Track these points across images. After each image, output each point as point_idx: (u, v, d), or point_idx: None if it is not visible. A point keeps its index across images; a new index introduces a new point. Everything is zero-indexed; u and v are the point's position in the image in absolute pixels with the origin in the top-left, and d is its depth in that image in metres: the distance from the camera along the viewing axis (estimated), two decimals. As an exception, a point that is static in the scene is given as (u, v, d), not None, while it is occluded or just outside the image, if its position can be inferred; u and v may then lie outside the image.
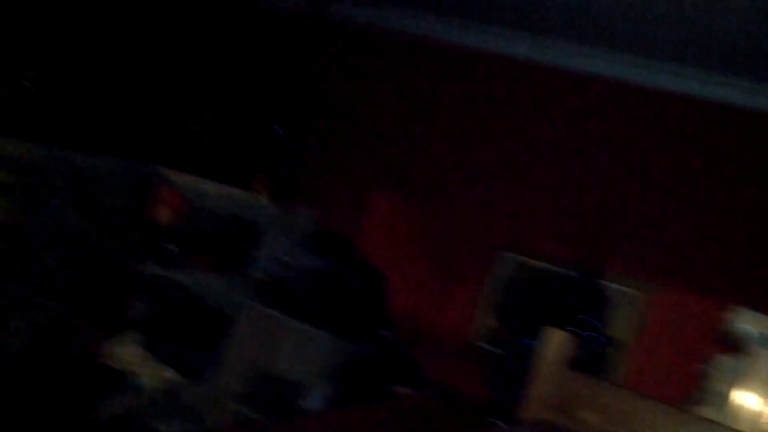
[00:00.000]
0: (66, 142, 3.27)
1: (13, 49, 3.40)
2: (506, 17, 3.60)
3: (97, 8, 3.73)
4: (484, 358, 3.37)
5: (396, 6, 4.06)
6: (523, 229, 3.65)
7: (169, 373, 3.58)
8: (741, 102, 3.28)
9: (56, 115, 3.49)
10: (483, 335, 3.61)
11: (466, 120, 3.94)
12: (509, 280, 3.59)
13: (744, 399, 3.16)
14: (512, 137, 3.82)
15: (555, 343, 2.26)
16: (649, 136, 3.52)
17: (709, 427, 1.73)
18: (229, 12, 4.31)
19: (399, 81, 4.12)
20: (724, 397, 3.13)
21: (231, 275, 3.63)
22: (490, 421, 2.28)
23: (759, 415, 3.14)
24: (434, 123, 4.02)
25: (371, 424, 2.22)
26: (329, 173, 4.21)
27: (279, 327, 3.67)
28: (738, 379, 3.13)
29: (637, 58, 3.46)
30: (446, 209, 3.89)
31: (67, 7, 3.62)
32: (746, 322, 3.12)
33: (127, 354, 3.61)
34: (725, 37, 2.94)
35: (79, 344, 3.52)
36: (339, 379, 3.43)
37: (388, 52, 4.19)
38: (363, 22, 4.21)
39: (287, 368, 3.71)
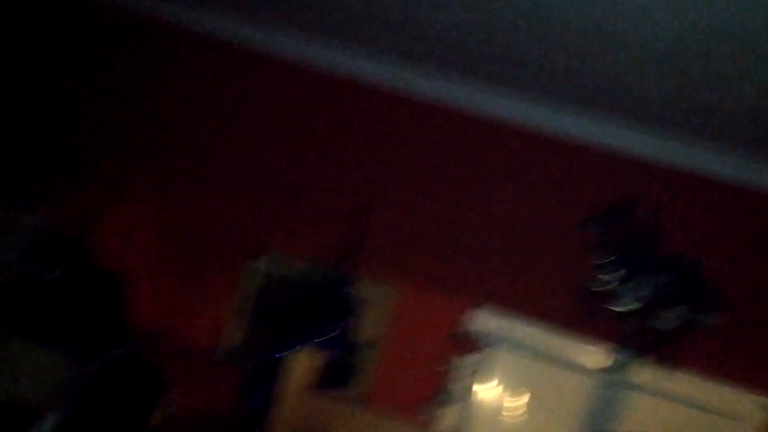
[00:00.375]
0: None
1: None
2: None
3: None
4: (235, 372, 3.23)
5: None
6: (271, 236, 3.54)
7: None
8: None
9: None
10: (233, 348, 3.46)
11: (213, 123, 3.73)
12: (258, 290, 3.47)
13: (485, 394, 3.35)
14: (259, 140, 3.68)
15: (300, 365, 2.20)
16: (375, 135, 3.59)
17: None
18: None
19: (159, 77, 3.80)
20: (467, 394, 3.29)
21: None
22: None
23: (498, 408, 3.34)
24: (182, 125, 3.76)
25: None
26: (66, 170, 3.77)
27: (3, 344, 3.23)
28: (478, 375, 3.30)
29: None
30: (194, 216, 3.66)
31: None
32: (483, 323, 3.30)
33: None
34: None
35: None
36: (74, 402, 3.09)
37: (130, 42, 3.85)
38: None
39: (15, 391, 3.28)
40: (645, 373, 3.07)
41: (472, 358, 3.28)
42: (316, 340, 2.95)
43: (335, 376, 3.09)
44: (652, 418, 3.17)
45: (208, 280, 3.57)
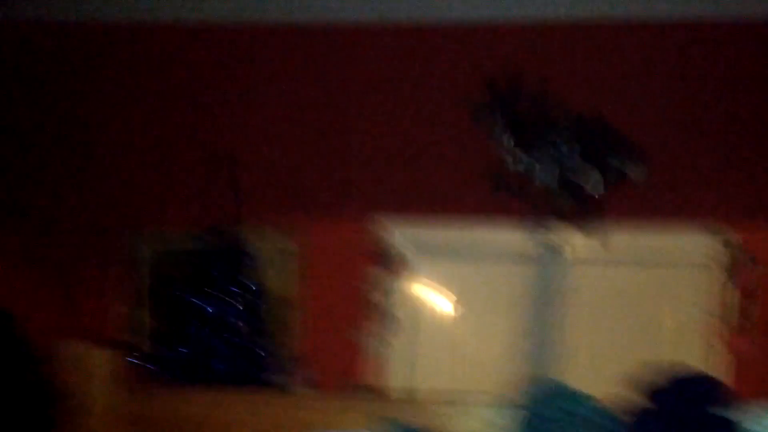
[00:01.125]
0: None
1: None
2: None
3: None
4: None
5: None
6: (154, 203, 3.21)
7: None
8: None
9: None
10: (132, 331, 3.17)
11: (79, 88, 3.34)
12: (149, 265, 3.17)
13: (417, 308, 3.16)
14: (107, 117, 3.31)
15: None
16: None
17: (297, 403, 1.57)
18: None
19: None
20: (395, 313, 3.10)
21: None
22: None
23: (434, 318, 3.16)
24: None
25: None
26: None
27: None
28: (406, 290, 3.11)
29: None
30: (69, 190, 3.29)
31: None
32: (397, 236, 3.09)
33: None
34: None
35: None
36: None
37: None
38: None
39: None
40: (581, 246, 2.93)
41: (394, 275, 3.08)
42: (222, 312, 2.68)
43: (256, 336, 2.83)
44: (603, 288, 3.02)
45: (91, 255, 3.23)
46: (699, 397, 1.46)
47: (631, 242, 2.95)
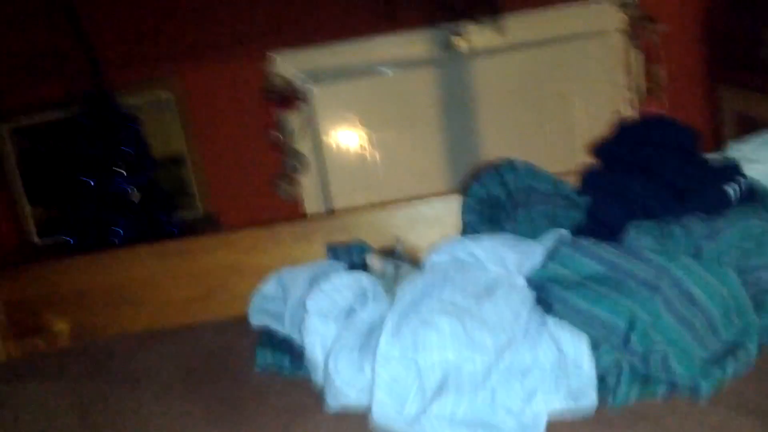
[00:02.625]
0: None
1: None
2: None
3: None
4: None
5: None
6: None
7: None
8: None
9: None
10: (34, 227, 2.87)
11: None
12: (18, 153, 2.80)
13: (330, 140, 2.95)
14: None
15: None
16: None
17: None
18: None
19: None
20: (300, 150, 2.88)
21: None
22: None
23: (347, 147, 2.97)
24: None
25: None
26: None
27: None
28: (305, 126, 2.88)
29: None
30: None
31: None
32: (292, 67, 2.80)
33: None
34: None
35: None
36: None
37: None
38: None
39: None
40: (479, 39, 2.73)
41: (298, 111, 2.82)
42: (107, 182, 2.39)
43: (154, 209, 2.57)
44: (509, 76, 2.86)
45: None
46: (668, 140, 1.34)
47: (526, 24, 2.77)
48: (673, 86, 2.84)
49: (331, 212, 2.85)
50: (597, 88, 2.84)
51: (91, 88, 2.54)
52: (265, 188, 2.87)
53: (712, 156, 1.43)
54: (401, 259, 1.24)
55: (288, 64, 2.82)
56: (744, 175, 1.30)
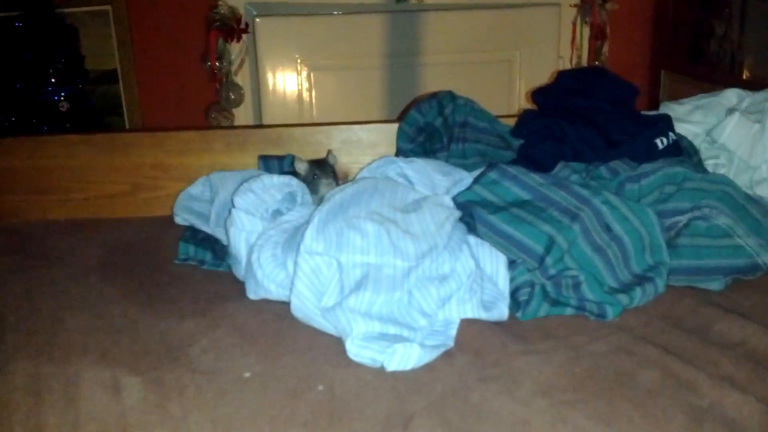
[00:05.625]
0: None
1: None
2: None
3: None
4: None
5: None
6: None
7: None
8: None
9: None
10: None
11: None
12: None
13: (269, 72, 2.89)
14: None
15: None
16: None
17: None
18: None
19: None
20: (240, 84, 2.83)
21: None
22: None
23: (279, 86, 2.91)
24: None
25: None
26: None
27: None
28: (245, 58, 2.83)
29: None
30: None
31: None
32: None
33: None
34: None
35: None
36: None
37: None
38: None
39: None
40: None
41: (240, 42, 2.76)
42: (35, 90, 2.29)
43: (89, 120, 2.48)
44: (457, 33, 2.86)
45: None
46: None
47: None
48: (616, 66, 2.90)
49: (266, 125, 2.80)
50: (542, 58, 2.88)
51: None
52: (198, 117, 2.81)
53: (646, 112, 1.48)
54: (331, 170, 1.25)
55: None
56: (674, 131, 1.36)
